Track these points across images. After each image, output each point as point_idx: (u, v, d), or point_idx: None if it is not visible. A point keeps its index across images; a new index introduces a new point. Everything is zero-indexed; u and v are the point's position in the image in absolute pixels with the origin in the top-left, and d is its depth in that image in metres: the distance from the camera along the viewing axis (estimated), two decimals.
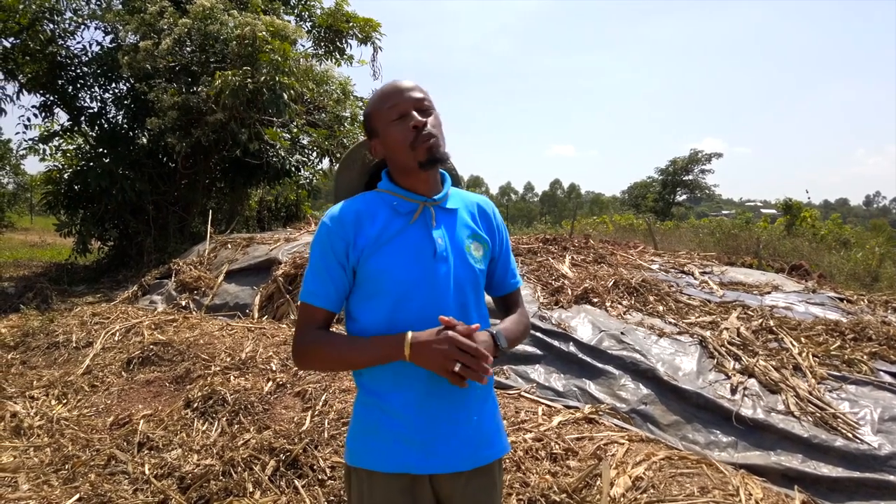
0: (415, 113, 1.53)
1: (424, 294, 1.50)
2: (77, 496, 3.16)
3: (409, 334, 1.43)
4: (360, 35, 12.18)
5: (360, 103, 12.05)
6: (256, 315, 5.83)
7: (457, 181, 1.77)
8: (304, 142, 11.77)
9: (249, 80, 8.83)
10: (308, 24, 12.35)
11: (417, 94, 1.55)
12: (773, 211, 30.92)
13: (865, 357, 3.97)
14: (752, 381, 3.69)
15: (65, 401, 4.36)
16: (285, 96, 9.33)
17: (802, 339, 4.25)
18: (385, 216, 1.55)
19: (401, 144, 1.53)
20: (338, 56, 12.45)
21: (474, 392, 1.59)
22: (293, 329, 5.26)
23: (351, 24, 12.02)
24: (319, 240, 1.56)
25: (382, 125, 1.56)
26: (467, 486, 1.56)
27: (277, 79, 9.07)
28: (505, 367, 4.12)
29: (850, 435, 3.18)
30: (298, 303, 1.59)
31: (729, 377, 3.73)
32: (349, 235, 1.52)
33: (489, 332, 1.51)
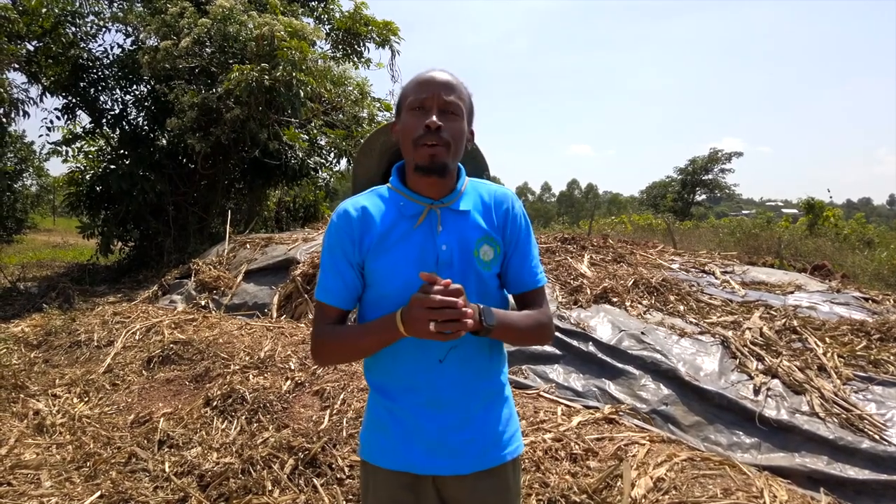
0: (435, 110, 1.46)
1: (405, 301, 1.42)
2: (98, 493, 3.19)
3: (399, 310, 1.41)
4: (378, 38, 12.20)
5: (378, 104, 12.06)
6: (275, 314, 5.85)
7: (480, 169, 1.73)
8: (322, 142, 11.81)
9: (266, 76, 8.87)
10: (327, 27, 12.39)
11: (449, 95, 1.47)
12: (795, 211, 30.53)
13: (892, 357, 3.89)
14: (776, 381, 3.63)
15: (86, 399, 4.41)
16: (302, 94, 9.37)
17: (827, 340, 4.17)
18: (392, 217, 1.52)
19: (407, 136, 1.49)
20: (356, 59, 12.48)
21: (483, 393, 1.57)
22: (311, 328, 5.27)
23: (370, 27, 12.04)
24: (328, 238, 1.56)
25: (404, 108, 1.51)
26: (475, 488, 1.55)
27: (295, 75, 9.10)
28: (523, 367, 4.09)
29: (876, 437, 3.12)
30: (315, 303, 1.59)
31: (752, 378, 3.68)
32: (355, 234, 1.51)
33: (476, 305, 1.42)
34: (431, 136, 1.45)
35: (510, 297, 1.67)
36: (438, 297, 1.32)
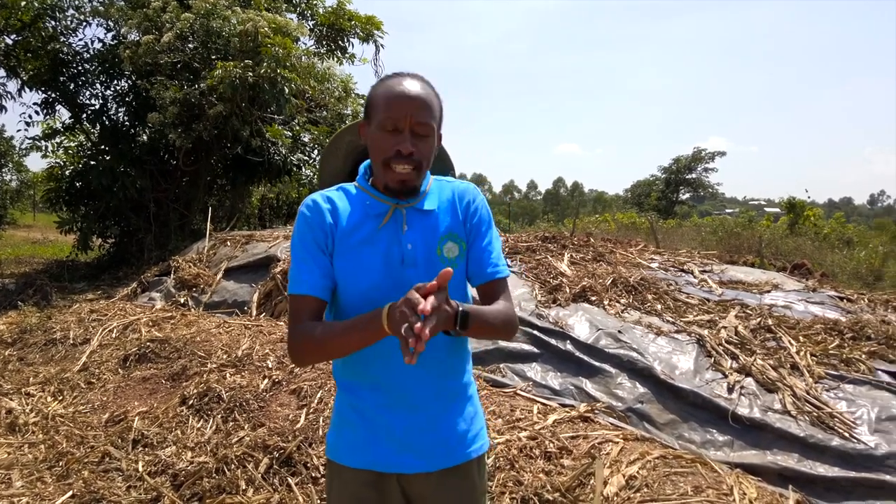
0: (408, 134, 1.44)
1: (392, 300, 1.34)
2: (70, 493, 3.16)
3: (388, 304, 1.32)
4: (361, 34, 12.15)
5: (362, 101, 12.01)
6: (254, 312, 5.82)
7: (446, 169, 1.73)
8: (306, 139, 11.76)
9: (250, 72, 8.81)
10: (310, 23, 12.33)
11: (421, 115, 1.44)
12: (777, 210, 30.81)
13: (864, 356, 3.94)
14: (750, 380, 3.67)
15: (60, 397, 4.36)
16: (286, 91, 9.32)
17: (801, 338, 4.22)
18: (358, 215, 1.51)
19: (378, 154, 1.47)
20: (339, 55, 12.43)
21: (450, 392, 1.58)
22: (288, 326, 5.22)
23: (353, 22, 11.99)
24: (299, 230, 1.52)
25: (375, 121, 1.48)
26: (441, 486, 1.55)
27: (279, 72, 9.05)
28: (501, 365, 4.10)
29: (846, 434, 3.16)
30: (289, 297, 1.54)
31: (726, 376, 3.71)
32: (326, 225, 1.49)
33: (455, 303, 1.35)
34: (403, 160, 1.44)
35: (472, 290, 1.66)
36: (429, 302, 1.23)
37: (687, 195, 44.55)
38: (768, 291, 5.54)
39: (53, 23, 10.41)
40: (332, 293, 1.53)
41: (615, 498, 2.65)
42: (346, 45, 12.37)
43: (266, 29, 9.19)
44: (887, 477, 2.91)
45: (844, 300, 5.45)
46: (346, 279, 1.50)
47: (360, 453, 1.53)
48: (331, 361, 1.62)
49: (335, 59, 12.29)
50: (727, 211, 48.92)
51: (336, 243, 1.49)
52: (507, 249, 6.38)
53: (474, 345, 4.33)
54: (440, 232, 1.54)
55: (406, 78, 1.48)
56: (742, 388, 3.59)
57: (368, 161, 1.60)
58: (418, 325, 1.19)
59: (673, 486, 2.69)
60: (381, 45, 12.23)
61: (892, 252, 13.81)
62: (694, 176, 42.58)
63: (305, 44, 11.75)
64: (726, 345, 4.07)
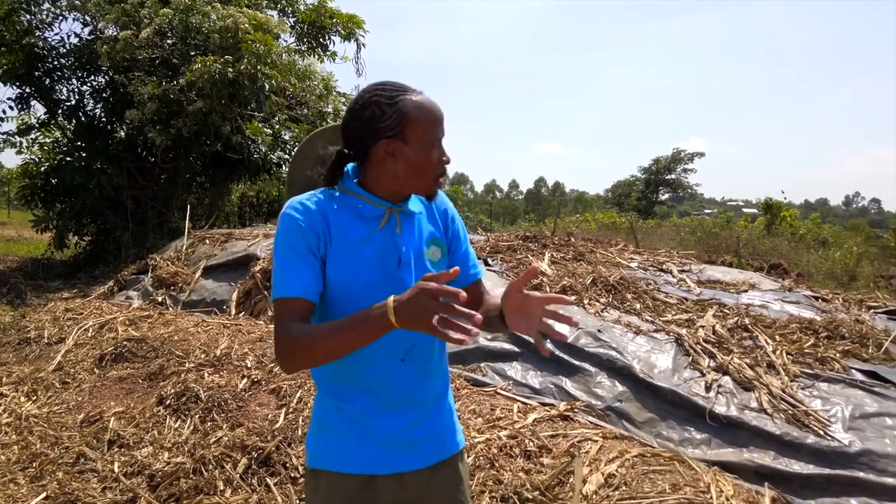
0: (444, 147, 1.55)
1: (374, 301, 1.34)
2: (44, 495, 3.11)
3: (391, 298, 1.27)
4: (343, 31, 12.10)
5: (343, 99, 11.97)
6: (233, 311, 5.78)
7: None
8: (286, 137, 11.68)
9: (230, 68, 8.73)
10: (291, 20, 12.25)
11: (444, 127, 1.56)
12: (755, 210, 31.21)
13: (838, 355, 4.01)
14: (727, 378, 3.71)
15: (34, 398, 4.29)
16: (266, 87, 9.25)
17: (777, 337, 4.27)
18: (350, 218, 1.50)
19: (429, 172, 1.52)
20: (321, 52, 12.36)
21: (436, 389, 1.60)
22: (271, 325, 5.24)
23: (334, 20, 11.94)
24: (287, 231, 1.45)
25: (417, 140, 1.48)
26: (431, 481, 1.56)
27: (259, 68, 8.98)
28: (482, 365, 4.10)
29: (821, 432, 3.20)
30: (275, 302, 1.46)
31: (704, 375, 3.75)
32: (318, 227, 1.46)
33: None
34: (444, 170, 1.56)
35: None
36: (450, 288, 1.23)
37: (666, 195, 44.96)
38: (745, 291, 5.61)
39: (28, 16, 10.25)
40: (320, 298, 1.49)
41: (594, 496, 2.66)
42: (328, 42, 12.32)
43: (246, 25, 9.13)
44: (860, 474, 2.95)
45: (819, 300, 5.53)
46: (341, 279, 1.47)
47: (352, 458, 1.50)
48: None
49: (316, 56, 12.23)
50: (706, 211, 49.48)
51: (330, 246, 1.47)
52: (488, 249, 6.40)
53: (452, 345, 4.32)
54: (425, 237, 1.59)
55: (422, 93, 1.53)
56: (719, 386, 3.63)
57: (352, 165, 1.59)
58: (463, 308, 1.21)
59: (651, 484, 2.71)
60: (363, 44, 12.20)
61: (866, 253, 14.06)
62: (673, 176, 42.98)
63: (286, 41, 11.70)
64: (704, 344, 4.12)
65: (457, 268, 1.31)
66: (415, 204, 1.59)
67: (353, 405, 1.51)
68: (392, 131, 1.47)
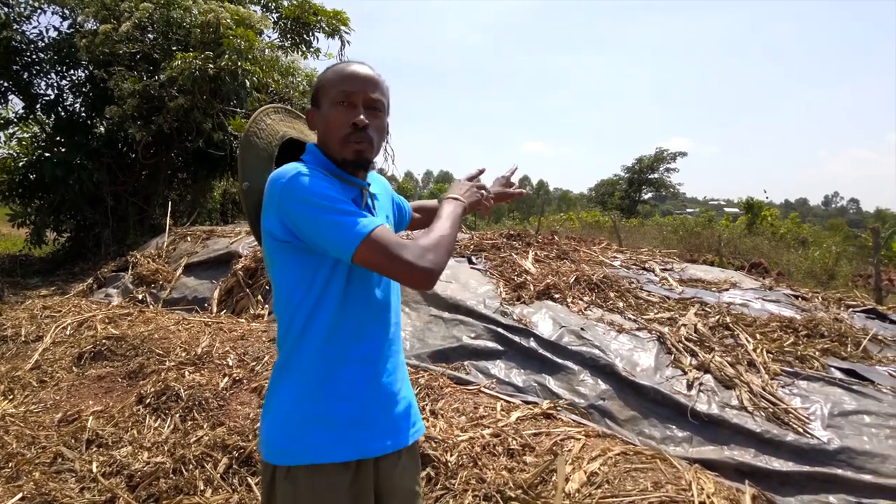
0: (361, 108, 1.47)
1: (373, 275, 1.51)
2: (20, 495, 3.05)
3: (457, 193, 1.66)
4: (327, 28, 12.00)
5: None
6: (215, 309, 5.72)
7: None
8: None
9: (211, 64, 8.64)
10: (274, 16, 12.14)
11: (374, 92, 1.49)
12: (736, 210, 31.51)
13: (817, 353, 4.05)
14: (708, 376, 3.73)
15: (11, 397, 4.21)
16: (248, 84, 9.16)
17: (757, 336, 4.31)
18: (342, 192, 1.49)
19: (334, 133, 1.48)
20: (304, 49, 12.26)
21: (405, 369, 1.65)
22: (252, 324, 5.19)
23: (319, 16, 11.84)
24: (316, 185, 1.38)
25: (327, 103, 1.50)
26: (398, 465, 1.56)
27: (240, 64, 8.89)
28: (466, 363, 4.10)
29: (800, 430, 3.23)
30: (366, 242, 1.34)
31: (685, 373, 3.77)
32: (338, 186, 1.45)
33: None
34: (358, 134, 1.46)
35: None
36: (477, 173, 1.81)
37: (649, 195, 45.32)
38: (727, 290, 5.65)
39: (6, 9, 10.05)
40: (325, 272, 1.45)
41: (577, 494, 2.66)
42: (312, 39, 12.20)
43: (228, 20, 9.04)
44: (839, 471, 2.98)
45: (799, 298, 5.59)
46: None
47: (344, 444, 1.44)
48: (298, 347, 1.52)
49: (300, 53, 12.13)
50: (688, 210, 49.93)
51: None
52: (472, 247, 6.39)
53: (438, 342, 4.32)
54: (385, 213, 1.69)
55: (354, 63, 1.54)
56: (701, 384, 3.66)
57: (312, 146, 1.56)
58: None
59: (633, 482, 2.72)
60: (348, 41, 12.11)
61: (844, 252, 14.24)
62: (656, 176, 43.34)
63: (269, 37, 11.58)
64: (686, 342, 4.14)
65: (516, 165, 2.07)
66: (375, 186, 1.66)
67: (341, 382, 1.46)
68: (313, 101, 1.57)
